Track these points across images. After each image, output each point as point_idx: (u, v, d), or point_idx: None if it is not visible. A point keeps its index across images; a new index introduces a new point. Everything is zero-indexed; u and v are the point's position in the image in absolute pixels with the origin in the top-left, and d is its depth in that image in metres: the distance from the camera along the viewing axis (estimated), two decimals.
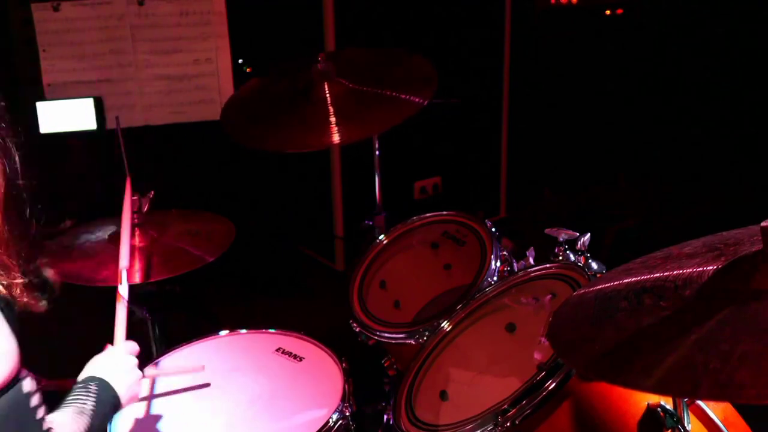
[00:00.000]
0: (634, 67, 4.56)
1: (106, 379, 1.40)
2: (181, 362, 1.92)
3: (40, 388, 1.54)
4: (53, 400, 1.34)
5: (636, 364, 0.95)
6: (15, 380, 1.10)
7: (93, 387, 1.36)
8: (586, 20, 4.49)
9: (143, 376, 1.53)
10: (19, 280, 1.21)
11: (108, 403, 1.37)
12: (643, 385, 0.92)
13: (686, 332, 0.93)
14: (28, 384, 1.13)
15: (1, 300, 1.17)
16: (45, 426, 1.14)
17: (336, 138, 2.25)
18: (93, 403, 1.33)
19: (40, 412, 1.14)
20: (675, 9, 4.55)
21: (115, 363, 1.47)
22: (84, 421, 1.28)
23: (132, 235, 2.14)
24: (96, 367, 1.44)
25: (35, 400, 1.13)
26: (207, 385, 1.79)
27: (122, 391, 1.42)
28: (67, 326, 2.81)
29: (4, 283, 1.19)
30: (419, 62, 2.47)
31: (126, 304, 1.64)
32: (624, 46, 4.53)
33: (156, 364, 1.91)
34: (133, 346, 1.56)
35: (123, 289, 1.68)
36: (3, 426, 1.09)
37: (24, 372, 1.13)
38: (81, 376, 1.41)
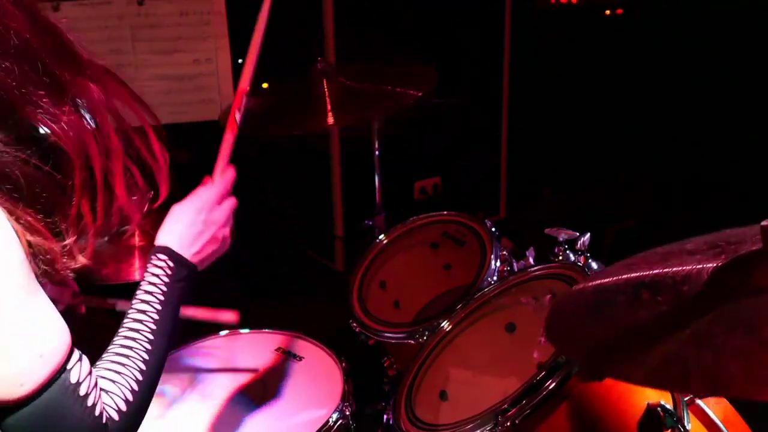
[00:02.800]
0: (634, 67, 4.56)
1: (175, 249, 1.30)
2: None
3: (80, 302, 1.48)
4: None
5: (629, 357, 0.96)
6: (61, 371, 1.02)
7: (164, 276, 1.26)
8: (586, 20, 4.49)
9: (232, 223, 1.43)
10: (82, 261, 1.17)
11: (181, 276, 1.29)
12: (634, 378, 0.92)
13: (681, 327, 0.93)
14: (76, 372, 1.06)
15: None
16: (96, 412, 1.04)
17: (330, 119, 2.25)
18: (164, 286, 1.24)
19: (92, 398, 1.07)
20: (675, 9, 4.55)
21: (200, 217, 1.38)
22: (142, 350, 1.17)
23: (131, 234, 2.14)
24: (173, 230, 1.34)
25: (85, 387, 1.05)
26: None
27: (200, 254, 1.34)
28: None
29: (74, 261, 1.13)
30: (419, 62, 2.48)
31: (236, 130, 1.57)
32: (624, 46, 4.53)
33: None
34: (229, 181, 1.49)
35: (237, 113, 1.59)
36: (47, 427, 1.01)
37: (74, 358, 1.06)
38: (158, 241, 1.32)
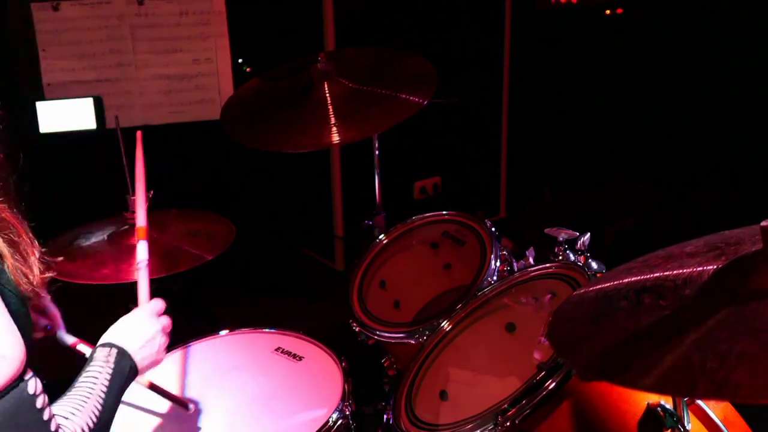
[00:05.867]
0: (634, 67, 4.56)
1: (125, 347, 1.35)
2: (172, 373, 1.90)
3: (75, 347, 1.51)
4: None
5: (634, 364, 0.95)
6: (19, 380, 1.08)
7: (111, 357, 1.32)
8: (586, 20, 4.49)
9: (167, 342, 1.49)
10: (36, 273, 1.19)
11: (123, 375, 1.32)
12: (640, 385, 0.92)
13: (685, 332, 0.93)
14: (32, 385, 1.10)
15: (14, 295, 1.14)
16: (52, 427, 1.10)
17: (335, 138, 2.24)
18: (108, 377, 1.28)
19: (47, 413, 1.11)
20: (675, 9, 4.55)
21: (135, 327, 1.42)
22: (96, 403, 1.23)
23: (131, 234, 2.14)
24: (116, 331, 1.39)
25: (40, 401, 1.10)
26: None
27: (140, 357, 1.38)
28: (67, 325, 2.80)
29: (24, 274, 1.16)
30: (419, 62, 2.47)
31: (147, 265, 1.60)
32: (624, 46, 4.53)
33: None
34: (158, 306, 1.51)
35: (142, 251, 1.63)
36: (4, 430, 1.07)
37: (30, 373, 1.11)
38: (101, 341, 1.37)
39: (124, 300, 2.19)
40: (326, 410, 1.67)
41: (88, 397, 1.23)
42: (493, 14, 4.08)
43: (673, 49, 4.59)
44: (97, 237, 2.18)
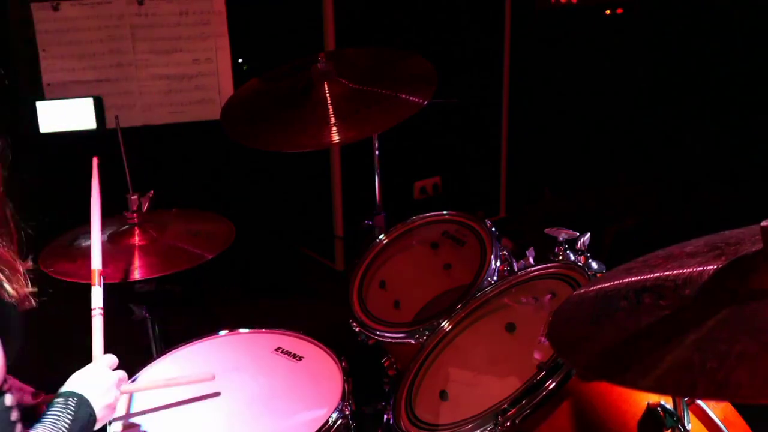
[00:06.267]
0: (634, 67, 4.56)
1: (85, 396, 1.41)
2: (187, 370, 1.89)
3: (41, 402, 1.55)
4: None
5: (634, 364, 0.95)
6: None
7: (71, 402, 1.38)
8: (586, 20, 4.49)
9: (121, 393, 1.54)
10: (22, 281, 1.21)
11: (84, 420, 1.39)
12: (641, 385, 0.92)
13: (685, 332, 0.93)
14: (9, 398, 1.11)
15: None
16: None
17: (335, 138, 2.24)
18: (69, 420, 1.34)
19: (18, 428, 1.13)
20: (675, 9, 4.55)
21: (94, 379, 1.48)
22: None
23: (131, 234, 2.15)
24: (75, 382, 1.46)
25: (14, 415, 1.11)
26: (216, 394, 1.75)
27: (99, 407, 1.44)
28: (66, 325, 2.80)
29: (9, 283, 1.18)
30: (419, 62, 2.47)
31: (101, 313, 1.60)
32: (624, 46, 4.53)
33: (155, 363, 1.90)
34: (112, 360, 1.56)
35: (96, 297, 1.62)
36: None
37: (7, 385, 1.11)
38: (61, 390, 1.43)
39: (123, 300, 2.20)
40: (326, 410, 1.67)
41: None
42: (493, 14, 4.08)
43: (673, 49, 4.59)
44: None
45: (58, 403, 1.37)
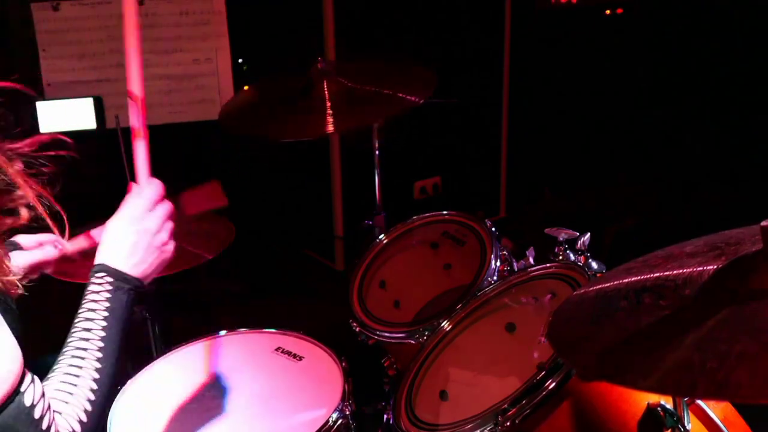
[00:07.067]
0: (634, 67, 4.56)
1: (118, 267, 1.29)
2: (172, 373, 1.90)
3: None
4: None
5: (634, 364, 0.95)
6: (15, 394, 1.05)
7: (103, 289, 1.26)
8: (586, 20, 4.49)
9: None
10: (9, 276, 1.19)
11: (122, 304, 1.27)
12: (641, 385, 0.92)
13: (685, 332, 0.93)
14: (30, 395, 1.07)
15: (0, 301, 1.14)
16: None
17: (330, 127, 2.24)
18: (103, 318, 1.23)
19: (46, 422, 1.09)
20: (675, 9, 4.55)
21: (128, 230, 1.33)
22: (92, 369, 1.19)
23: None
24: (107, 245, 1.32)
25: (39, 410, 1.08)
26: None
27: (142, 268, 1.31)
28: (66, 325, 2.80)
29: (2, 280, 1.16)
30: (419, 70, 2.47)
31: (145, 137, 1.45)
32: (624, 46, 4.53)
33: None
34: (157, 188, 1.41)
35: (135, 119, 1.45)
36: None
37: (27, 380, 1.08)
38: (96, 260, 1.30)
39: None
40: (326, 410, 1.67)
41: (81, 367, 1.19)
42: (493, 14, 4.08)
43: (673, 49, 4.59)
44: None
45: (90, 292, 1.26)
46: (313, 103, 2.33)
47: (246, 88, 2.59)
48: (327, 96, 2.34)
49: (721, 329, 0.91)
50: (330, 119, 2.25)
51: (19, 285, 1.22)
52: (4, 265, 1.17)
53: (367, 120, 2.40)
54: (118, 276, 1.29)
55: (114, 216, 1.37)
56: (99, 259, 1.31)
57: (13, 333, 1.09)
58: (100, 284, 1.27)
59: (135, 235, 1.33)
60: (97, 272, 1.29)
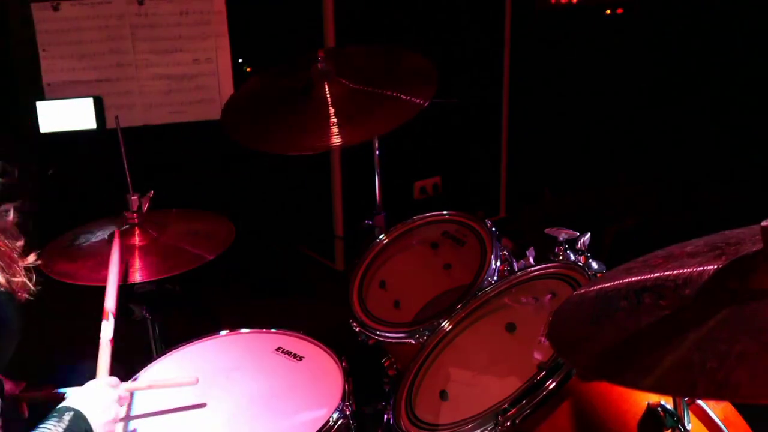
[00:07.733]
0: (634, 67, 4.56)
1: (82, 411, 1.39)
2: (172, 373, 1.89)
3: (25, 394, 1.53)
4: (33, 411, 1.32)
5: (634, 364, 0.95)
6: None
7: (66, 417, 1.36)
8: (586, 20, 4.49)
9: (122, 398, 1.53)
10: (20, 277, 1.20)
11: None
12: (641, 385, 0.92)
13: (685, 332, 0.93)
14: None
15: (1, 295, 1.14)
16: None
17: (336, 140, 2.24)
18: None
19: None
20: (675, 9, 4.55)
21: (93, 395, 1.46)
22: None
23: (132, 235, 2.15)
24: (73, 398, 1.44)
25: None
26: (202, 405, 1.73)
27: (97, 424, 1.41)
28: (66, 325, 2.81)
29: (6, 278, 1.17)
30: (419, 61, 2.47)
31: (111, 342, 1.62)
32: (624, 46, 4.53)
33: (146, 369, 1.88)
34: (114, 381, 1.55)
35: (107, 329, 1.65)
36: None
37: None
38: (59, 406, 1.41)
39: (123, 301, 2.19)
40: (326, 410, 1.67)
41: None
42: (493, 14, 4.08)
43: (673, 49, 4.59)
44: (97, 237, 2.18)
45: (53, 417, 1.35)
46: (316, 109, 2.32)
47: (248, 69, 2.57)
48: (329, 100, 2.33)
49: (721, 329, 0.91)
50: (335, 130, 2.25)
51: (31, 287, 1.24)
52: (16, 266, 1.18)
53: (373, 131, 2.40)
54: (81, 423, 1.37)
55: (84, 385, 1.50)
56: (70, 404, 1.40)
57: (18, 333, 1.09)
58: (60, 420, 1.35)
59: (109, 398, 1.48)
60: (61, 410, 1.37)
